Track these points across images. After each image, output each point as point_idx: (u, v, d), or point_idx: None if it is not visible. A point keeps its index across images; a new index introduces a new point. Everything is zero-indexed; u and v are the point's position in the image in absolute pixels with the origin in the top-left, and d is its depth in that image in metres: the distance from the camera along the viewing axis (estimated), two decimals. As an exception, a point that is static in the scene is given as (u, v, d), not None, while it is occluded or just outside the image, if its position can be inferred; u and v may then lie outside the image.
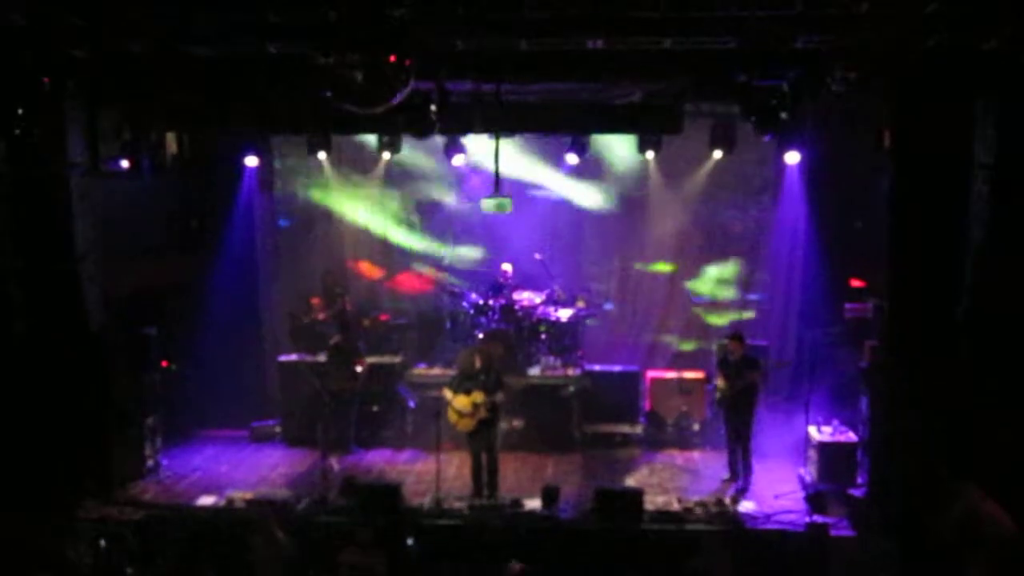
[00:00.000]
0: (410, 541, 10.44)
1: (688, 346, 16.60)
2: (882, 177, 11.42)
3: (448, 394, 12.27)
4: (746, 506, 11.74)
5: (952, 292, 10.76)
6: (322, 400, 13.35)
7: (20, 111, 10.88)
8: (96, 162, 12.25)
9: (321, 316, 15.56)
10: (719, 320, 16.40)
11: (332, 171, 16.65)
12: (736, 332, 13.25)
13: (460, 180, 16.30)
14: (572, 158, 14.70)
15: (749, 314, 16.12)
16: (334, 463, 13.10)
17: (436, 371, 14.94)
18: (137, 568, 9.97)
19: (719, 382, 12.93)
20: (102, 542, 10.21)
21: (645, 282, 16.72)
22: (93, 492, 11.69)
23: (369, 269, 17.35)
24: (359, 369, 13.97)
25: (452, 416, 12.22)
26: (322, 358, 14.42)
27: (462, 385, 12.20)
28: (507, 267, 15.76)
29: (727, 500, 11.75)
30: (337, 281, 16.28)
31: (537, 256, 15.48)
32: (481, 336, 14.73)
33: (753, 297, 16.38)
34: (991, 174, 10.62)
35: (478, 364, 12.25)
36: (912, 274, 10.84)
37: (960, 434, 10.51)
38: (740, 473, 12.74)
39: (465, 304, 15.39)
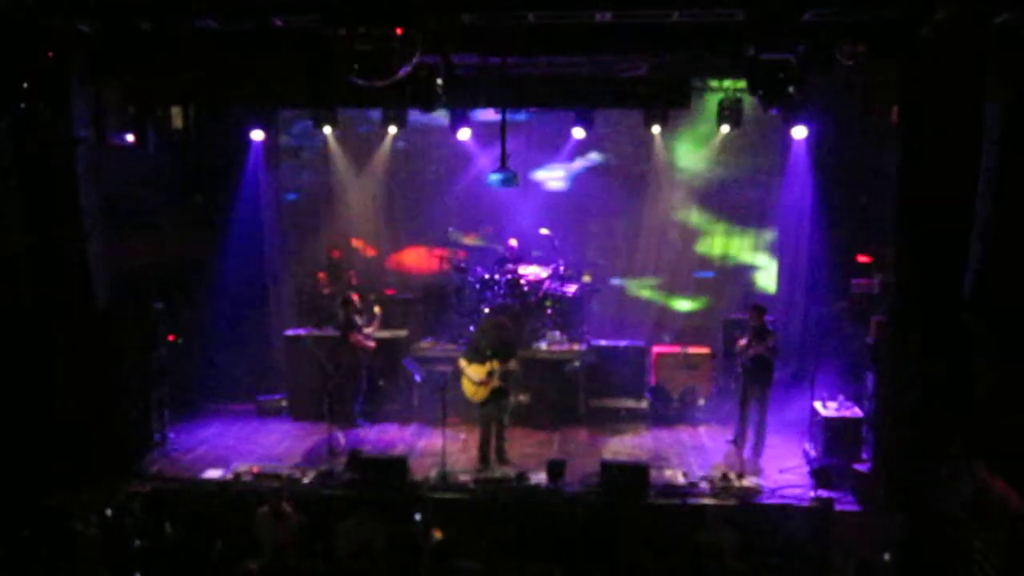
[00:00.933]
0: (418, 516, 10.48)
1: (699, 304, 16.65)
2: (890, 152, 11.37)
3: (463, 363, 12.38)
4: (751, 480, 11.76)
5: (959, 268, 10.73)
6: (328, 374, 13.37)
7: (25, 85, 10.84)
8: (101, 137, 12.22)
9: (327, 291, 15.56)
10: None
11: (338, 146, 16.64)
12: (757, 304, 13.36)
13: (466, 155, 16.24)
14: (579, 132, 14.63)
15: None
16: (340, 437, 13.13)
17: (442, 345, 14.96)
18: (145, 541, 10.01)
19: (741, 342, 13.08)
20: (109, 514, 10.26)
21: (651, 254, 16.78)
22: (101, 466, 11.72)
23: (375, 244, 17.37)
24: (371, 343, 14.02)
25: (466, 386, 12.34)
26: (329, 332, 14.44)
27: (477, 355, 12.29)
28: (513, 242, 15.75)
29: (732, 475, 11.78)
30: (343, 256, 16.27)
31: (543, 231, 15.46)
32: (487, 311, 14.74)
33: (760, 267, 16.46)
34: (1000, 149, 10.56)
35: (492, 336, 12.36)
36: (919, 249, 10.80)
37: (966, 410, 10.51)
38: (747, 439, 12.85)
39: (471, 279, 15.38)
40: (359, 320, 14.06)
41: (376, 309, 14.40)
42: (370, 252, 17.35)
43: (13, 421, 11.40)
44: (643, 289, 16.96)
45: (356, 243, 17.19)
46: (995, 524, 9.14)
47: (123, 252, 12.92)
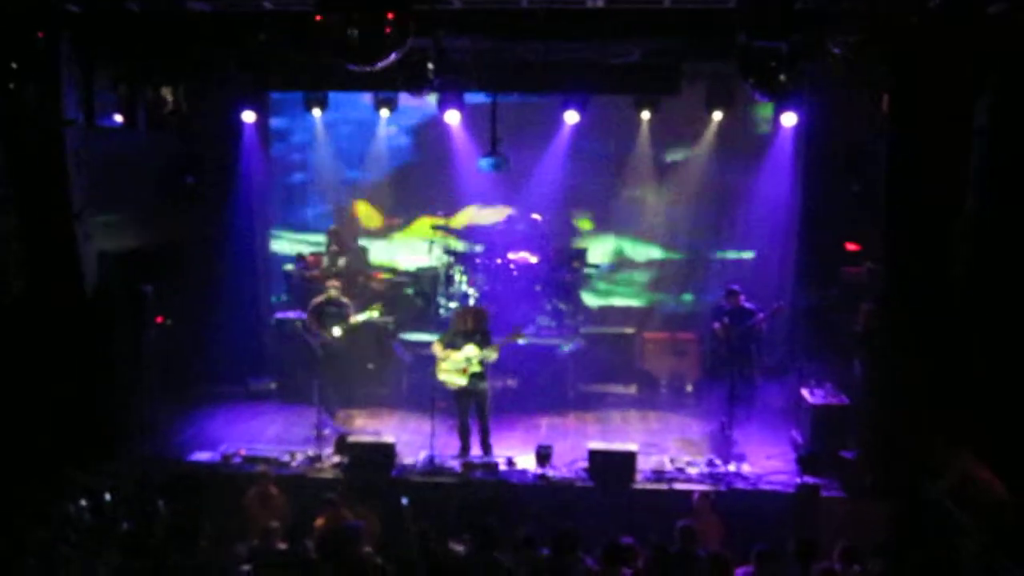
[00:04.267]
0: (405, 501, 10.49)
1: (687, 297, 16.69)
2: (880, 140, 11.39)
3: (438, 349, 12.26)
4: (738, 467, 11.81)
5: (948, 255, 10.77)
6: (317, 357, 13.34)
7: (14, 66, 10.77)
8: (92, 118, 12.15)
9: (316, 274, 15.54)
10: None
11: (327, 129, 16.61)
12: (731, 288, 13.73)
13: (455, 139, 16.18)
14: (571, 116, 14.58)
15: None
16: (329, 421, 13.13)
17: (431, 330, 14.96)
18: (133, 524, 10.02)
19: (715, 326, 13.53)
20: (103, 497, 10.26)
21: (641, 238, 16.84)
22: (90, 448, 11.72)
23: (367, 225, 17.37)
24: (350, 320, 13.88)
25: (441, 373, 12.21)
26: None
27: (453, 341, 12.21)
28: (503, 226, 15.75)
29: (719, 461, 11.84)
30: (337, 238, 16.25)
31: (534, 216, 15.45)
32: (475, 295, 14.73)
33: (748, 257, 16.45)
34: (989, 138, 10.59)
35: (470, 323, 12.29)
36: (909, 237, 10.84)
37: (954, 398, 10.56)
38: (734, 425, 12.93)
39: (461, 263, 15.37)
40: (341, 306, 13.89)
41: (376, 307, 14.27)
42: (361, 234, 17.34)
43: (1, 405, 11.38)
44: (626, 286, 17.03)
45: (348, 225, 17.16)
46: (979, 511, 9.20)
47: (112, 234, 12.86)
